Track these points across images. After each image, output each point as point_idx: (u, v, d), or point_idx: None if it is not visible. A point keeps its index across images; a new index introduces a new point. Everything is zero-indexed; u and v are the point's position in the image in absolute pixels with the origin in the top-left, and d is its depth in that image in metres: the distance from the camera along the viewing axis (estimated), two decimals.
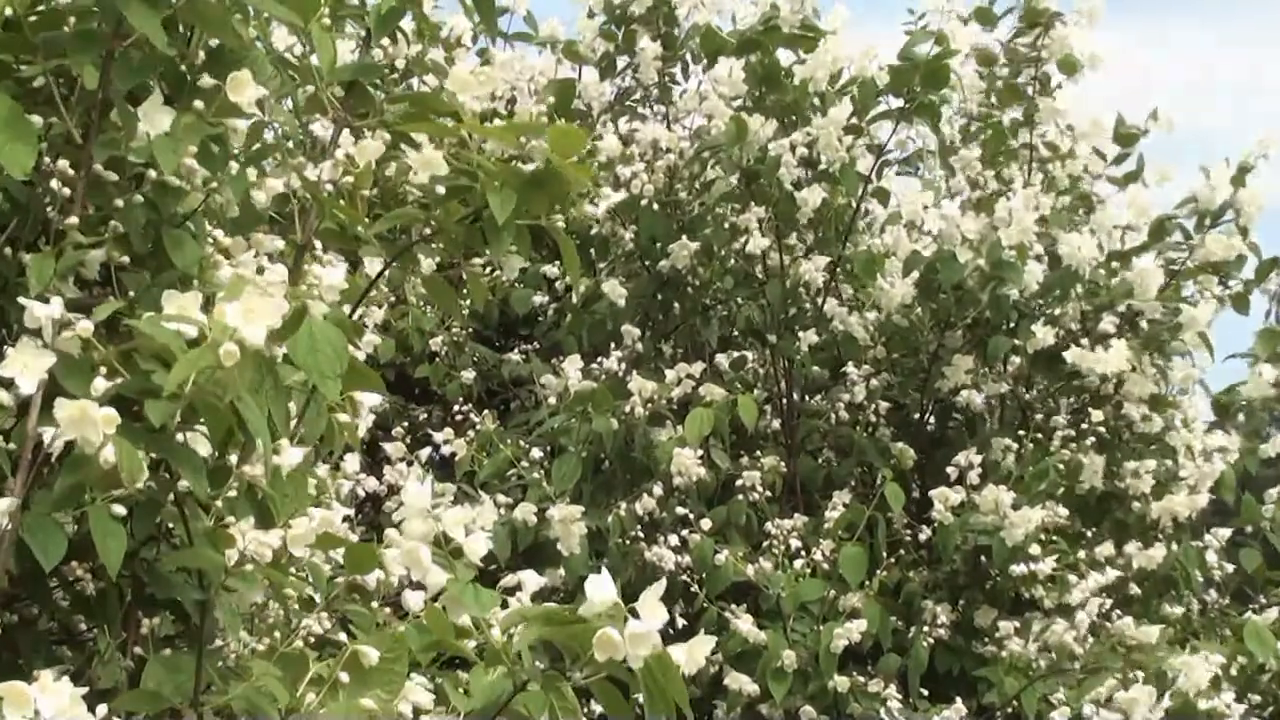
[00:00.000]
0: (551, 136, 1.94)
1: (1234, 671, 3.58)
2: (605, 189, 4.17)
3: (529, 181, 1.95)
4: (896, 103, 4.04)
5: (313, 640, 2.07)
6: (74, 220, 1.82)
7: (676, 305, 4.41)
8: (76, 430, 1.65)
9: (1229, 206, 3.92)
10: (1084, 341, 3.91)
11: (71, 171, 1.83)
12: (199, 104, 1.83)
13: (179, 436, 1.73)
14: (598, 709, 1.88)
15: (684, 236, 4.20)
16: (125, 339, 1.74)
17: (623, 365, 4.18)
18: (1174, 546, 3.81)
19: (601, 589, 1.63)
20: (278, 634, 2.02)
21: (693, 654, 1.64)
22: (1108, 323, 3.88)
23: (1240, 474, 4.12)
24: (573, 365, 4.07)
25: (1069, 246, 3.88)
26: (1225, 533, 3.91)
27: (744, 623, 3.71)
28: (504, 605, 1.94)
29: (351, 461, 2.86)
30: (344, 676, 1.89)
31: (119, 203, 1.86)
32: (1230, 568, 3.94)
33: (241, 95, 1.84)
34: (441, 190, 1.99)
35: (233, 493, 1.82)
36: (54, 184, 1.82)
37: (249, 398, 1.65)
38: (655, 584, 1.62)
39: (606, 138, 4.26)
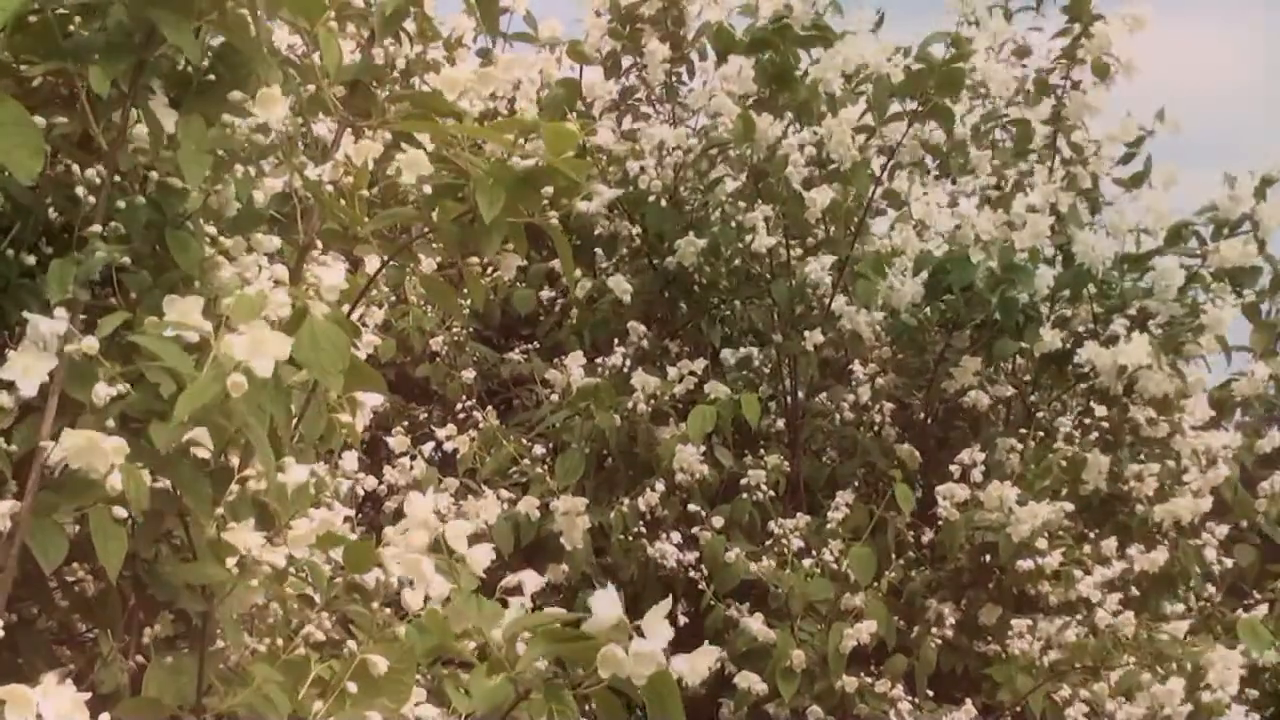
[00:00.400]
0: (545, 134, 1.94)
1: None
2: (599, 185, 4.16)
3: (521, 179, 1.94)
4: (910, 105, 4.02)
5: (313, 641, 2.07)
6: (97, 228, 1.81)
7: (682, 304, 4.41)
8: (83, 459, 1.66)
9: (1248, 218, 3.90)
10: (1089, 343, 3.89)
11: (98, 180, 1.82)
12: (228, 117, 1.84)
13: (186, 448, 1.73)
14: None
15: (691, 234, 4.19)
16: (130, 344, 1.74)
17: (627, 362, 4.17)
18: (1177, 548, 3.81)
19: (607, 605, 1.62)
20: (279, 639, 2.02)
21: (695, 665, 1.64)
22: (1119, 324, 3.87)
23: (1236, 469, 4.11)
24: (576, 362, 4.07)
25: (1084, 245, 3.87)
26: (1222, 531, 3.90)
27: (754, 622, 3.72)
28: (504, 605, 1.94)
29: (349, 459, 2.86)
30: (351, 686, 1.89)
31: (121, 204, 1.86)
32: (1229, 563, 3.93)
33: (271, 111, 1.85)
34: (429, 190, 1.99)
35: (233, 496, 1.82)
36: (80, 190, 1.82)
37: (255, 423, 1.64)
38: (661, 602, 1.62)
39: (603, 133, 4.25)
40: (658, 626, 1.60)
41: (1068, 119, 4.32)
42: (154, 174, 1.88)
